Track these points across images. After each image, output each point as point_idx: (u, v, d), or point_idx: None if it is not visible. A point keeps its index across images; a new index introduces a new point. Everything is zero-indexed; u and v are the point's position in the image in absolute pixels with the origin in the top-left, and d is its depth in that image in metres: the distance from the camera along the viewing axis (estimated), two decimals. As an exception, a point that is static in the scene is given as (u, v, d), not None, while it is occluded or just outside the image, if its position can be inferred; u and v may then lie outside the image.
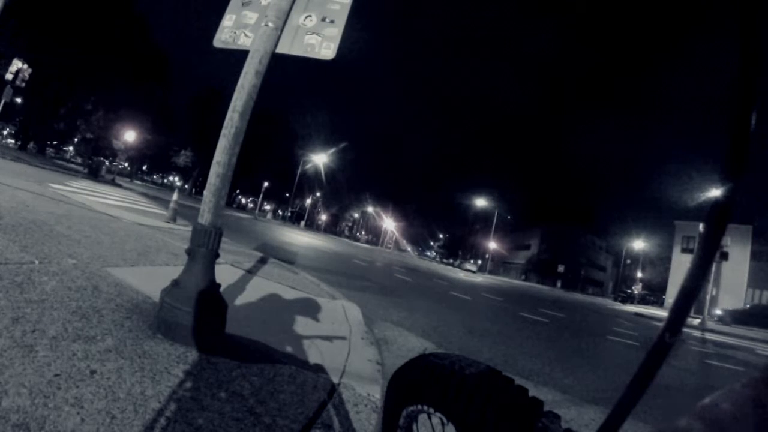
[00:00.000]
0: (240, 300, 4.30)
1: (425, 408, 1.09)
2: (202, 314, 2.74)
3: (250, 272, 6.20)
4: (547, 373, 5.07)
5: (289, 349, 3.21)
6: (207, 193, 2.93)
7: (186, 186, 72.06)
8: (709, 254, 0.53)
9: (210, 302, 2.83)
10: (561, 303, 22.35)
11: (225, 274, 5.40)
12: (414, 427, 1.21)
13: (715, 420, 0.50)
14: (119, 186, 26.66)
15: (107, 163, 37.33)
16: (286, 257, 10.80)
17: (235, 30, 3.36)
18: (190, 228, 10.21)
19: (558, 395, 4.23)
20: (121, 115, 47.50)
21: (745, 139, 0.50)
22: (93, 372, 2.01)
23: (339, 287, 7.66)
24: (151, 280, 4.02)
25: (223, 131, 2.94)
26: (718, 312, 30.86)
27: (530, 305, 16.11)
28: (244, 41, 3.29)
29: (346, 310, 5.44)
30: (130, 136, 48.59)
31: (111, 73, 41.40)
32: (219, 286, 2.96)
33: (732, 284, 41.48)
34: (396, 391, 1.27)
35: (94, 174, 27.47)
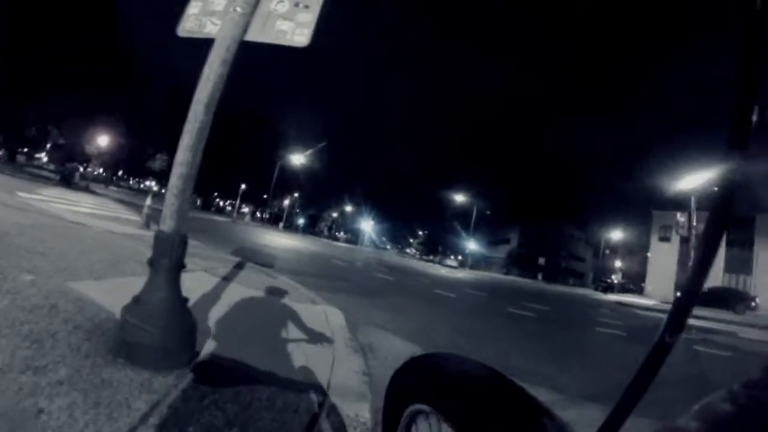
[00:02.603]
0: (214, 311, 4.02)
1: (426, 408, 1.07)
2: (167, 333, 2.48)
3: (226, 279, 5.92)
4: (542, 372, 4.91)
5: (267, 365, 2.96)
6: (169, 195, 2.69)
7: (163, 191, 70.68)
8: (709, 254, 0.55)
9: (176, 319, 2.57)
10: (544, 296, 22.37)
11: (199, 282, 5.12)
12: (414, 426, 1.17)
13: (715, 420, 0.52)
14: (93, 193, 26.04)
15: (81, 169, 36.45)
16: (265, 261, 10.52)
17: (201, 17, 3.10)
18: (164, 234, 9.95)
19: (555, 395, 4.08)
20: (93, 119, 46.21)
21: (745, 138, 0.50)
22: (40, 411, 1.75)
23: (319, 290, 7.41)
24: (118, 294, 3.71)
25: (186, 126, 2.70)
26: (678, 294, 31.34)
27: (515, 300, 16.02)
28: (210, 29, 3.04)
29: (328, 315, 5.21)
30: (103, 140, 47.51)
31: (80, 74, 40.31)
32: (186, 300, 2.71)
33: (711, 271, 41.75)
34: (396, 391, 1.26)
35: (66, 181, 26.71)
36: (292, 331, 4.07)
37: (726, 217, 0.54)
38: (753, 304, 30.93)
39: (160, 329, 2.46)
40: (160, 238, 2.65)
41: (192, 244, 9.37)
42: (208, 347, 2.92)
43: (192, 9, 3.18)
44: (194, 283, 4.84)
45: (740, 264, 44.80)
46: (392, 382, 1.27)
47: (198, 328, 2.76)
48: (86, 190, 26.98)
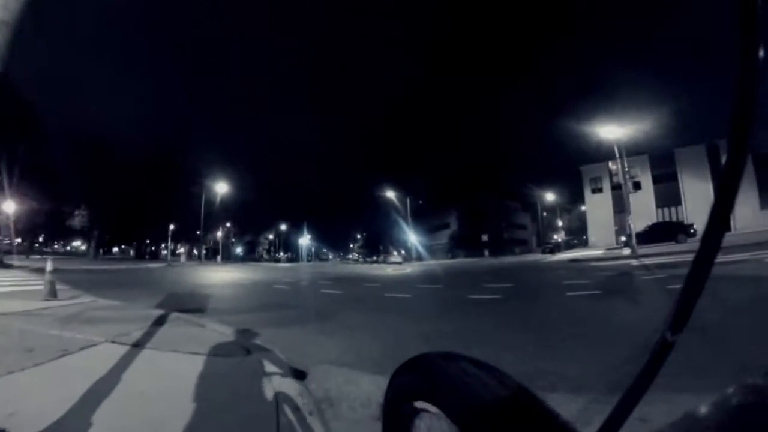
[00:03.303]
0: (105, 407, 2.87)
1: (427, 406, 1.06)
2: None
3: (138, 345, 4.70)
4: (559, 372, 3.96)
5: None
6: None
7: (90, 249, 66.10)
8: (710, 252, 0.53)
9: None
10: (500, 272, 21.66)
11: (100, 356, 4.08)
12: (415, 425, 1.14)
13: (714, 420, 0.52)
14: (9, 267, 23.76)
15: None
16: (196, 305, 9.30)
17: None
18: (71, 303, 8.53)
19: (568, 395, 3.33)
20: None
21: (745, 138, 0.50)
22: None
23: (258, 328, 6.37)
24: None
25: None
26: (623, 238, 33.88)
27: (473, 284, 15.36)
28: None
29: (266, 366, 4.07)
30: (8, 206, 43.49)
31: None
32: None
33: (644, 208, 44.60)
34: (397, 389, 1.25)
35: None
36: (214, 411, 2.94)
37: (728, 216, 0.52)
38: (692, 231, 32.72)
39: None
40: None
41: (104, 305, 7.91)
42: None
43: None
44: (92, 359, 3.94)
45: (669, 197, 49.48)
46: (393, 381, 1.27)
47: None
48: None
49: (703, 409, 0.53)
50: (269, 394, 3.28)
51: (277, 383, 3.55)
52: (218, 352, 4.60)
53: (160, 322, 6.40)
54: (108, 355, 4.24)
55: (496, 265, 30.43)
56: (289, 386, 3.54)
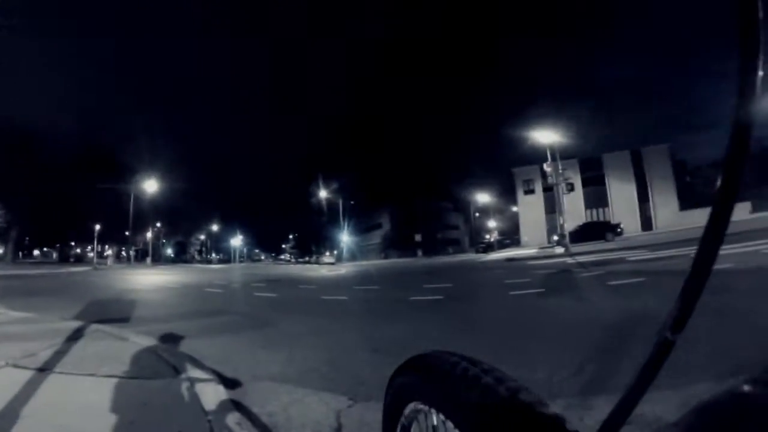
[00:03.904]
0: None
1: (426, 407, 1.06)
2: None
3: (45, 369, 4.02)
4: (531, 377, 3.57)
5: None
6: None
7: (6, 252, 61.23)
8: (710, 254, 0.53)
9: None
10: (436, 272, 21.61)
11: None
12: (415, 425, 1.16)
13: (715, 420, 0.52)
14: None
15: None
16: (120, 314, 8.51)
17: None
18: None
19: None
20: None
21: (746, 139, 0.50)
22: None
23: (188, 340, 5.87)
24: None
25: None
26: (555, 237, 35.05)
27: (411, 284, 15.20)
28: None
29: (197, 389, 3.53)
30: None
31: None
32: None
33: (574, 209, 46.66)
34: (396, 390, 1.23)
35: None
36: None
37: (728, 217, 0.52)
38: (619, 230, 35.86)
39: None
40: None
41: (11, 318, 6.99)
42: None
43: None
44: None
45: (597, 199, 52.95)
46: (392, 381, 1.25)
47: None
48: None
49: (704, 409, 0.53)
50: (202, 426, 2.79)
51: (211, 410, 3.05)
52: (141, 373, 4.00)
53: (75, 336, 5.69)
54: (6, 383, 3.58)
55: (432, 265, 30.55)
56: (225, 413, 3.04)
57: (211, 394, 3.41)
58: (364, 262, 56.28)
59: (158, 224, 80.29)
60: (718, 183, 0.51)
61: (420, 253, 68.94)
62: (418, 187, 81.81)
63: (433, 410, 1.02)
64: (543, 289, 9.93)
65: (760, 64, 0.48)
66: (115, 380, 3.73)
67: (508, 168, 61.74)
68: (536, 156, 35.97)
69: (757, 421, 0.48)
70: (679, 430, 0.53)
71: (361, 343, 5.66)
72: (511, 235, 69.98)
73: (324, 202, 74.23)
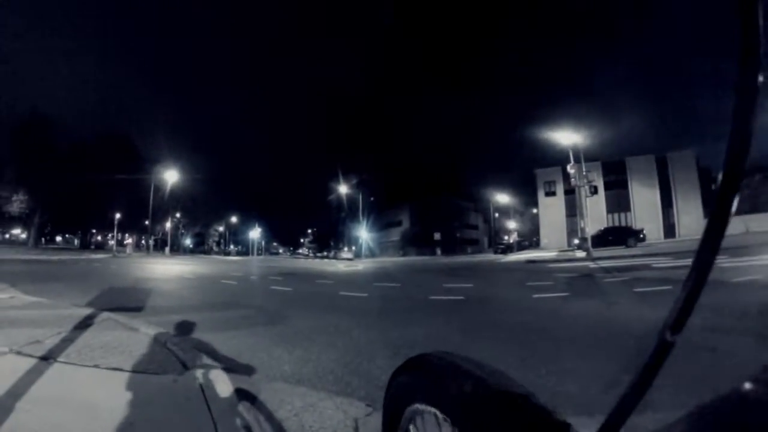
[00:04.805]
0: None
1: (426, 407, 1.04)
2: None
3: (47, 358, 3.83)
4: (540, 384, 3.31)
5: None
6: None
7: (29, 238, 62.08)
8: (710, 254, 0.53)
9: None
10: (455, 271, 21.23)
11: None
12: (415, 426, 1.12)
13: (715, 420, 0.52)
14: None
15: None
16: (134, 303, 8.38)
17: None
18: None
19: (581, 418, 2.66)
20: None
21: (746, 139, 0.50)
22: None
23: (199, 333, 5.69)
24: None
25: None
26: (576, 241, 34.55)
27: (431, 283, 14.84)
28: None
29: (206, 387, 3.30)
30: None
31: None
32: None
33: (596, 212, 45.88)
34: (396, 390, 1.23)
35: None
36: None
37: (727, 217, 0.51)
38: (642, 236, 34.50)
39: None
40: None
41: (25, 303, 6.81)
42: None
43: None
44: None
45: (619, 203, 51.49)
46: (392, 381, 1.25)
47: None
48: None
49: (704, 409, 0.53)
50: (207, 430, 2.55)
51: (218, 413, 2.81)
52: (148, 367, 3.79)
53: (85, 324, 5.54)
54: (6, 372, 3.39)
55: (451, 264, 30.12)
56: (234, 417, 2.80)
57: (220, 395, 3.17)
58: (383, 259, 56.05)
59: (178, 215, 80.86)
60: (718, 184, 0.51)
61: (439, 251, 68.41)
62: (438, 186, 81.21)
63: (434, 411, 1.00)
64: (567, 293, 9.63)
65: (760, 64, 0.47)
66: (119, 374, 3.53)
67: (529, 169, 60.76)
68: (558, 158, 35.45)
69: (757, 421, 0.49)
70: (679, 430, 0.53)
71: (380, 344, 5.39)
72: (530, 237, 69.43)
73: (344, 198, 74.21)
